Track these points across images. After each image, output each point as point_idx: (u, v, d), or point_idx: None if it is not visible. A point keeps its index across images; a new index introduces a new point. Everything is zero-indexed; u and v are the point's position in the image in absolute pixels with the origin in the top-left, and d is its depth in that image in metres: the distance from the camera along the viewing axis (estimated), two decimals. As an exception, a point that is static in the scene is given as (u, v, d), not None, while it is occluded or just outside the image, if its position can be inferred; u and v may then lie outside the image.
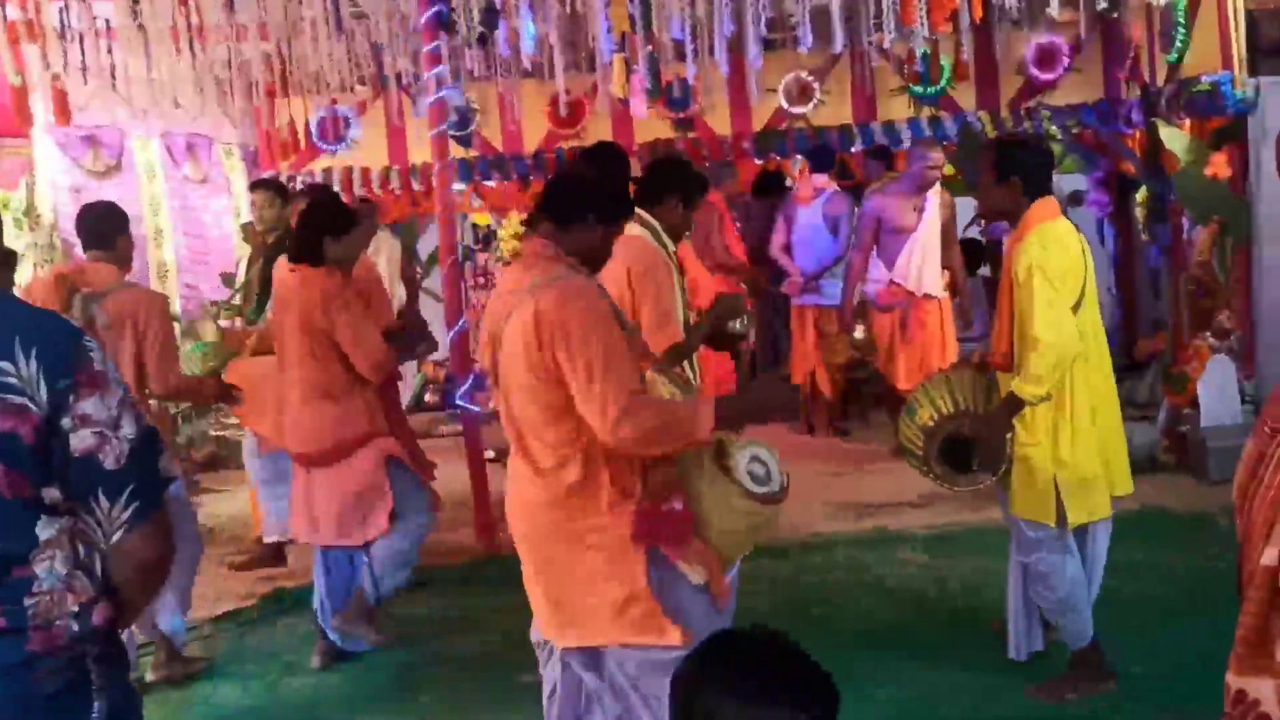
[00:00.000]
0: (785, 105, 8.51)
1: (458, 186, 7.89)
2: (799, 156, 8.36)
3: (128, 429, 1.76)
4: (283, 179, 8.34)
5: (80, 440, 1.72)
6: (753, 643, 1.68)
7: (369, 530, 4.33)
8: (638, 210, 3.64)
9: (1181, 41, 6.82)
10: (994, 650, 4.03)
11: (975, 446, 3.57)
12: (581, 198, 2.91)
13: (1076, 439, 3.59)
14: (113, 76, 6.62)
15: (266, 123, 8.50)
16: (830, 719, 1.60)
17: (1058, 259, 3.51)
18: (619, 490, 2.78)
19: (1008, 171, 3.65)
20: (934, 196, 6.57)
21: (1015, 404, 3.52)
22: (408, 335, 4.79)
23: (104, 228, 4.34)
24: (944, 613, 4.60)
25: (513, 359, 2.76)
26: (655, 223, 3.85)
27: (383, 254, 7.31)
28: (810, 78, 8.42)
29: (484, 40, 6.24)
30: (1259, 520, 1.63)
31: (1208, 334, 6.54)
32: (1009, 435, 3.57)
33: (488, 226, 9.56)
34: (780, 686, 1.58)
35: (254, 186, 6.33)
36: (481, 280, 9.57)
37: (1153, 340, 7.85)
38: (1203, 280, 6.80)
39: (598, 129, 8.44)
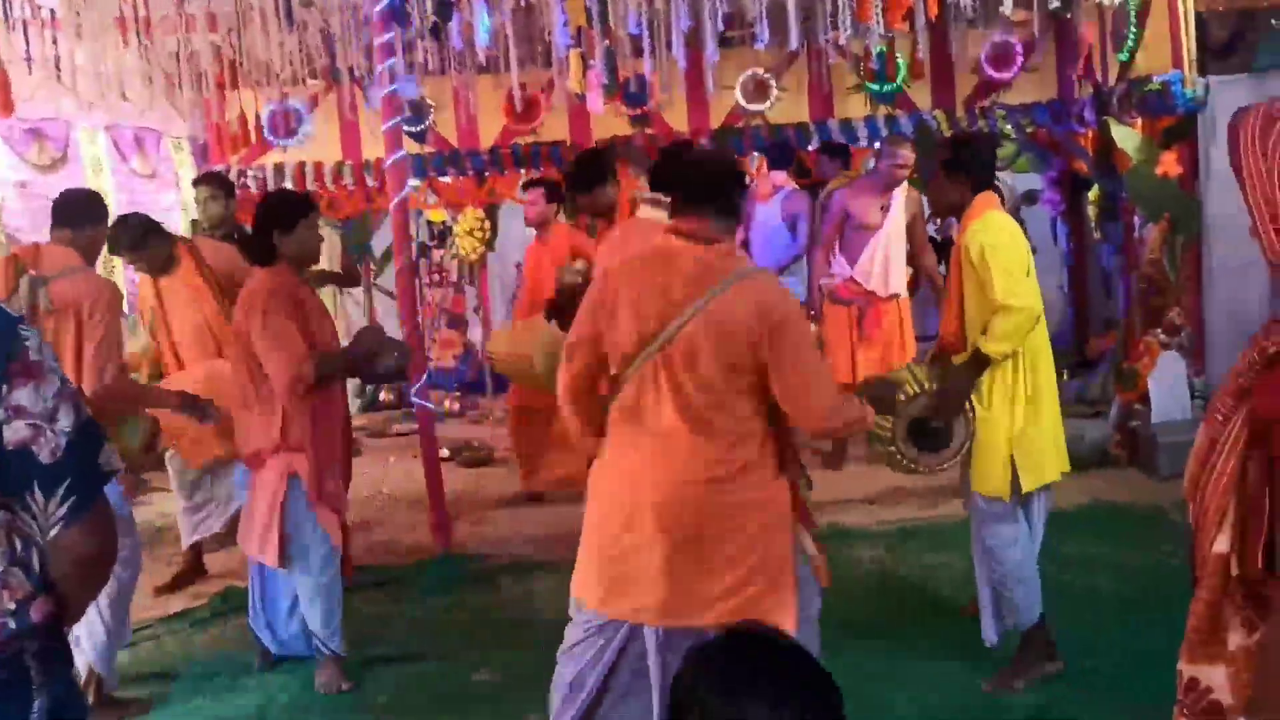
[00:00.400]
0: (742, 102, 8.52)
1: (412, 182, 7.81)
2: (756, 154, 8.36)
3: (64, 421, 1.70)
4: (233, 174, 8.26)
5: (13, 432, 1.66)
6: (749, 641, 1.64)
7: (267, 552, 4.09)
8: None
9: (1133, 41, 6.90)
10: (958, 639, 4.07)
11: (940, 430, 3.68)
12: (727, 182, 3.04)
13: (1029, 415, 3.81)
14: (58, 68, 6.49)
15: (216, 116, 8.36)
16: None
17: (1005, 239, 3.77)
18: (778, 466, 3.03)
19: (958, 168, 3.89)
20: (900, 195, 6.57)
21: (979, 362, 3.70)
22: (350, 353, 4.26)
23: (77, 211, 4.13)
24: (904, 605, 4.62)
25: (720, 335, 2.88)
26: None
27: (324, 251, 7.24)
28: (767, 75, 8.44)
29: (437, 33, 6.19)
30: (1211, 508, 1.63)
31: (1158, 331, 6.62)
32: (970, 414, 3.70)
33: (443, 223, 9.47)
34: (770, 684, 1.55)
35: (197, 182, 6.19)
36: (436, 277, 9.47)
37: (1104, 338, 7.94)
38: (1154, 278, 6.88)
39: (554, 125, 8.41)
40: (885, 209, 6.55)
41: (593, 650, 3.11)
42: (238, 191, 8.18)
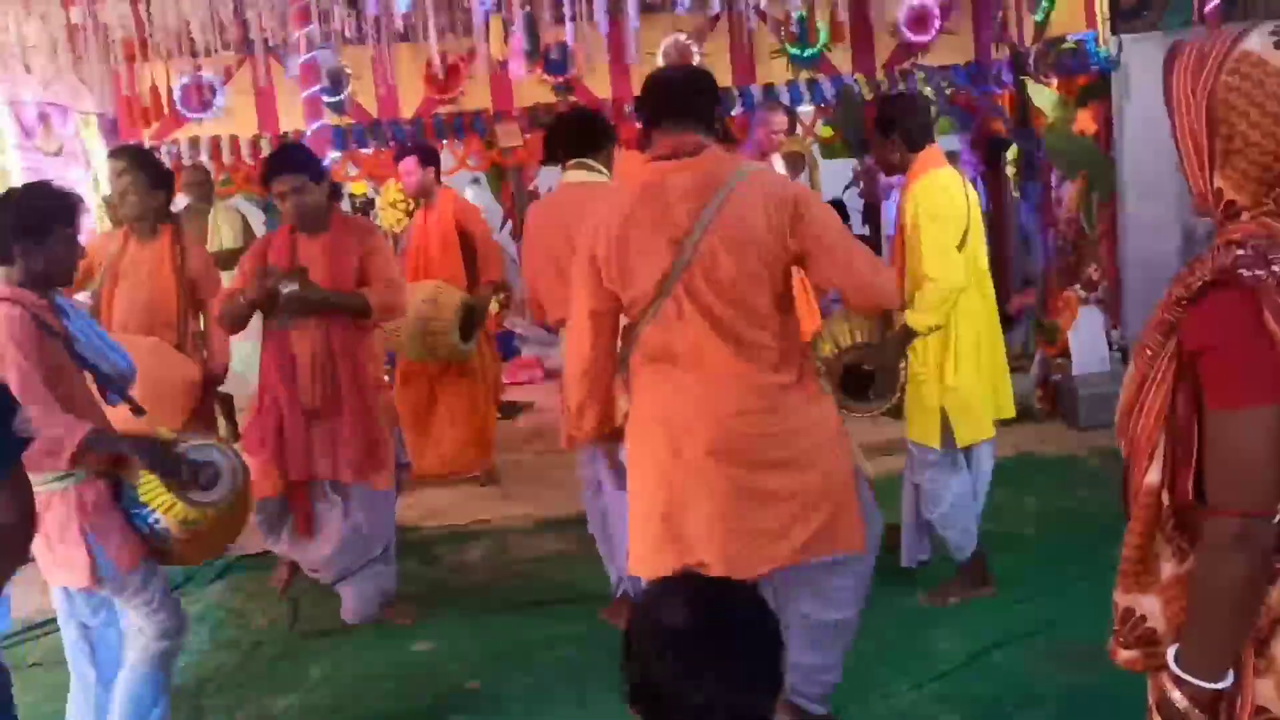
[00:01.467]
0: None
1: (332, 155, 7.66)
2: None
3: None
4: (146, 149, 8.03)
5: None
6: (699, 596, 1.59)
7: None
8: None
9: (1048, 2, 7.00)
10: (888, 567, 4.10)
11: (872, 377, 3.75)
12: (701, 92, 2.91)
13: (961, 368, 3.96)
14: (-44, 40, 6.24)
15: (126, 89, 8.11)
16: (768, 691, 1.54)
17: (942, 204, 3.82)
18: (817, 384, 2.95)
19: (889, 128, 3.97)
20: (777, 161, 6.52)
21: (908, 334, 3.78)
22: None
23: None
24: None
25: (739, 239, 2.73)
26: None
27: (223, 229, 7.09)
28: (688, 40, 8.40)
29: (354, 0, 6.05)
30: (1143, 440, 1.67)
31: (1077, 286, 6.76)
32: (902, 365, 3.79)
33: (364, 195, 9.33)
34: (718, 644, 1.52)
35: (111, 155, 5.95)
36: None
37: (1024, 295, 8.08)
38: (1071, 235, 7.02)
39: (476, 93, 8.30)
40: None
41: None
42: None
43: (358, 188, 9.32)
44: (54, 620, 4.49)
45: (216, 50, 7.10)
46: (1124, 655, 1.74)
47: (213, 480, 3.08)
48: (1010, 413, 4.18)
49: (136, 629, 3.18)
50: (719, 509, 2.83)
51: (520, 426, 7.51)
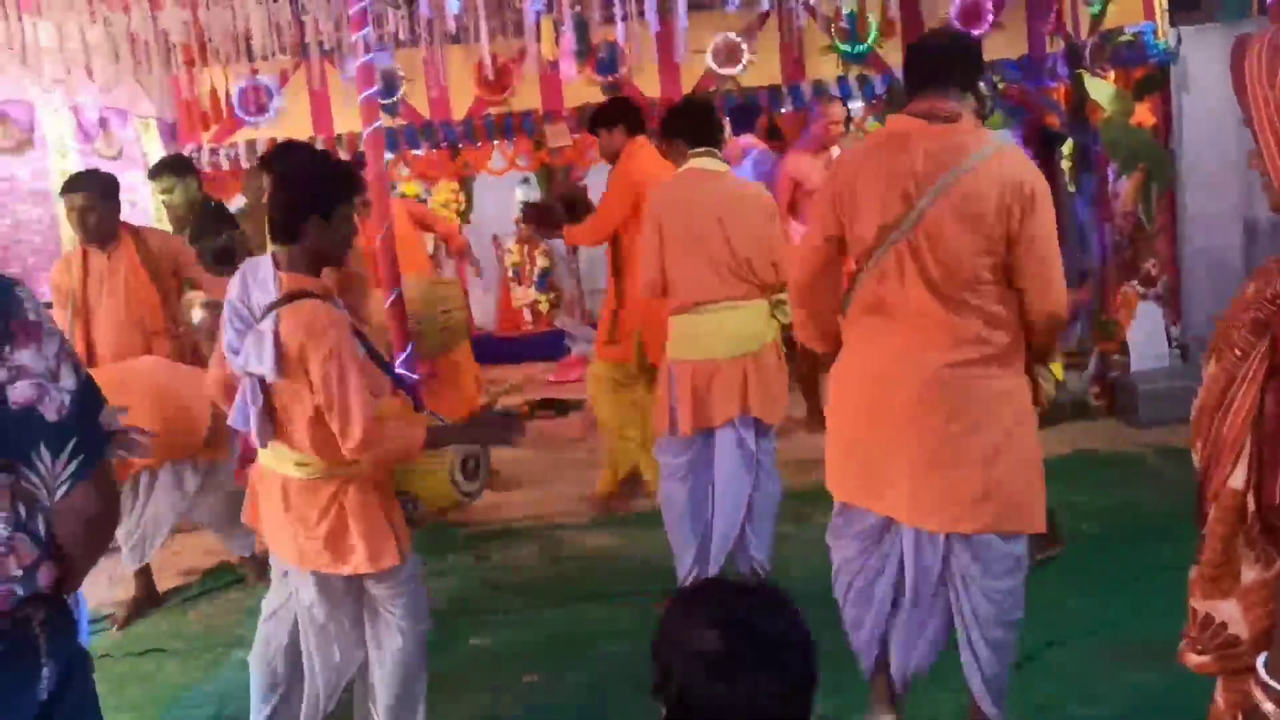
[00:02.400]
0: (714, 67, 8.48)
1: (385, 156, 7.74)
2: (727, 119, 8.33)
3: (67, 380, 1.69)
4: (204, 152, 8.17)
5: (18, 392, 1.65)
6: (732, 598, 1.59)
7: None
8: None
9: (1103, -6, 6.91)
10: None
11: None
12: (965, 60, 2.99)
13: None
14: (22, 48, 6.37)
15: (186, 94, 8.26)
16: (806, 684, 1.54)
17: None
18: (1023, 358, 2.97)
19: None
20: (838, 153, 6.53)
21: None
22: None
23: None
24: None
25: (968, 213, 2.82)
26: None
27: None
28: (738, 38, 8.39)
29: (408, 2, 6.11)
30: (1228, 441, 1.62)
31: (1135, 281, 6.67)
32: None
33: (417, 196, 9.41)
34: (748, 657, 1.51)
35: (151, 175, 5.73)
36: (412, 251, 9.41)
37: (1081, 290, 7.99)
38: (1129, 229, 6.93)
39: (527, 94, 8.34)
40: (829, 168, 6.54)
41: (874, 556, 3.09)
42: (211, 171, 8.14)
43: (410, 188, 9.40)
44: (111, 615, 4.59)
45: (273, 54, 7.21)
46: (1196, 660, 1.70)
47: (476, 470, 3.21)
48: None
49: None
50: (915, 460, 2.92)
51: (568, 423, 7.54)
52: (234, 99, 8.24)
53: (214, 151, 8.20)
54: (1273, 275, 1.59)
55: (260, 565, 4.52)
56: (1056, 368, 4.24)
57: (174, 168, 5.58)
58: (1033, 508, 2.99)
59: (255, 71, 8.09)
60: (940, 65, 2.94)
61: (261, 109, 8.33)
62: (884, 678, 3.22)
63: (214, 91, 8.04)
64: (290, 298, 2.88)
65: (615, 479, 5.73)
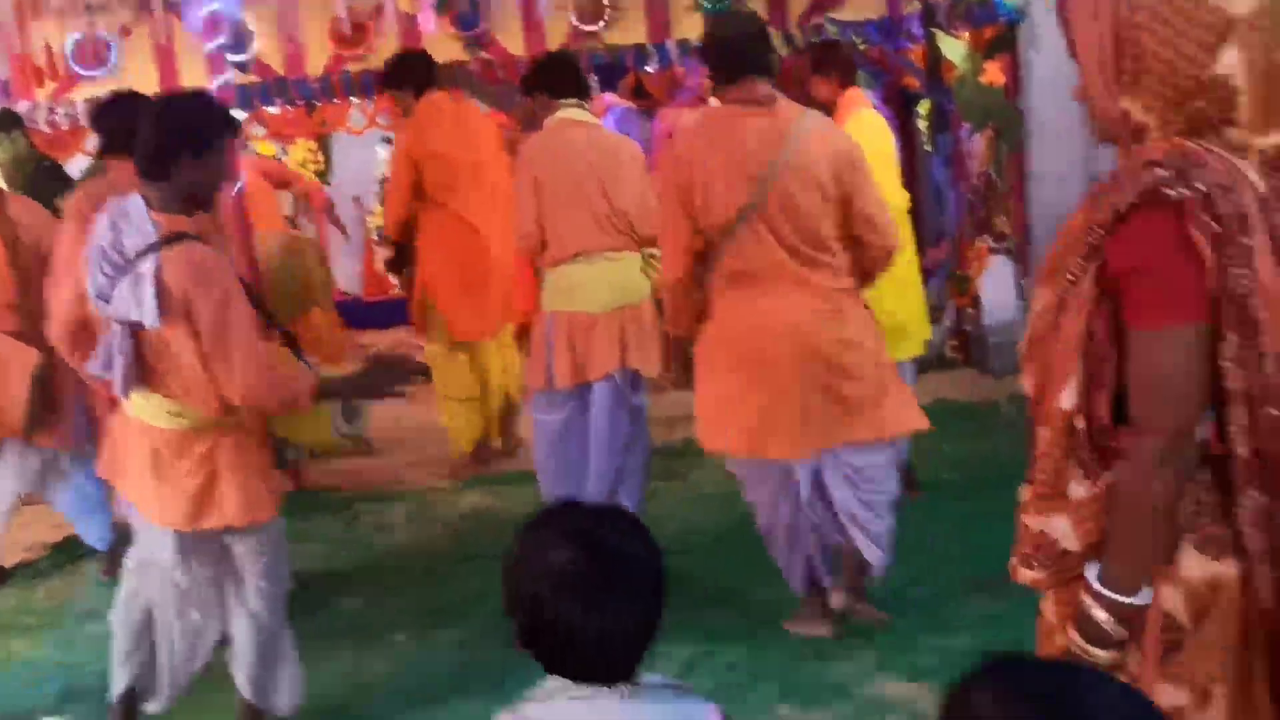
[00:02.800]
0: (577, 23, 8.39)
1: (237, 113, 7.44)
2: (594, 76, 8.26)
3: None
4: (40, 110, 7.72)
5: None
6: (585, 517, 1.58)
7: None
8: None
9: (956, -45, 7.07)
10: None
11: None
12: (761, 46, 3.45)
13: (890, 292, 4.08)
14: None
15: (19, 48, 7.78)
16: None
17: (871, 141, 4.02)
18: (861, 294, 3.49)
19: (827, 67, 4.46)
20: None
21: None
22: None
23: None
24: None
25: (808, 177, 3.27)
26: None
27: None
28: (603, -5, 8.32)
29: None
30: (1060, 363, 1.67)
31: (987, 237, 6.89)
32: None
33: (274, 156, 9.10)
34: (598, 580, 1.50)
35: None
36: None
37: (939, 248, 8.21)
38: (982, 188, 7.14)
39: (386, 49, 8.13)
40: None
41: (784, 498, 3.47)
42: (50, 130, 7.70)
43: (265, 148, 9.08)
44: None
45: (113, 5, 6.86)
46: (1029, 575, 1.75)
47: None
48: (927, 334, 4.64)
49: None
50: (799, 409, 3.31)
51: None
52: (68, 53, 7.81)
53: (51, 109, 7.78)
54: (1101, 202, 1.63)
55: (114, 560, 4.29)
56: (925, 323, 4.50)
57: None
58: (904, 407, 3.48)
59: (92, 24, 7.67)
60: (746, 56, 3.35)
61: (100, 63, 7.92)
62: (818, 597, 3.59)
63: (48, 46, 7.60)
64: (170, 239, 2.75)
65: (469, 443, 5.63)
